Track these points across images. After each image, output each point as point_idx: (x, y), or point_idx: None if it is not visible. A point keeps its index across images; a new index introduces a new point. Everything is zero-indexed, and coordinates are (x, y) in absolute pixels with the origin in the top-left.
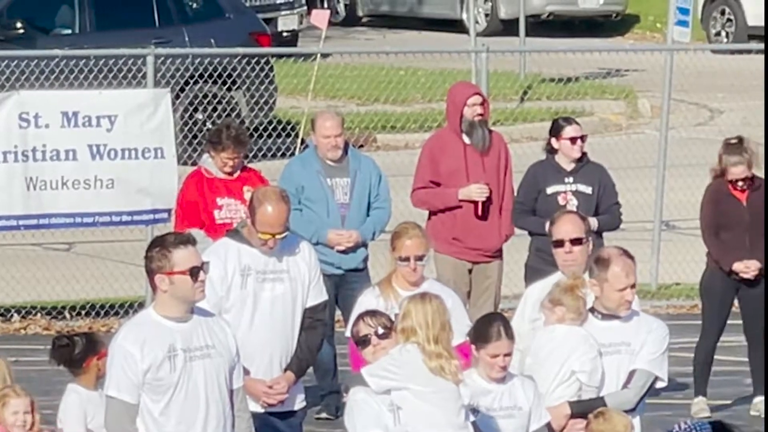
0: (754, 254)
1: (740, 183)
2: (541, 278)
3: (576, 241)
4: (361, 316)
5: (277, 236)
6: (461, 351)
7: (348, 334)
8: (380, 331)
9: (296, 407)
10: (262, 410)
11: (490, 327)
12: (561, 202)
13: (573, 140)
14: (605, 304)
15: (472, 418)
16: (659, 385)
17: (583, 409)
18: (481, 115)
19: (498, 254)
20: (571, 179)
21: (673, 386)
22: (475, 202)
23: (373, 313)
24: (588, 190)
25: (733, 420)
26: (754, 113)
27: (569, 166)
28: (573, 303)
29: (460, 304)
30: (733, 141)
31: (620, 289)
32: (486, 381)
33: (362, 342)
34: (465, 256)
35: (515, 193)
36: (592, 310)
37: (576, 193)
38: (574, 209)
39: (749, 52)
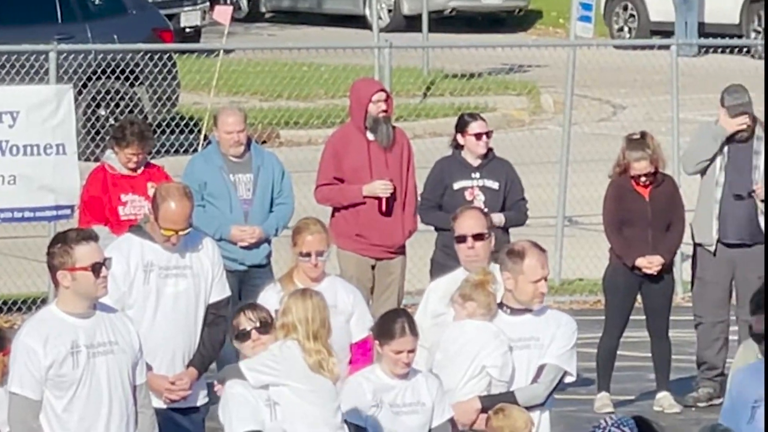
0: (656, 250)
1: (643, 178)
2: (446, 273)
3: (478, 237)
4: (242, 309)
5: (180, 232)
6: (363, 347)
7: None
8: (260, 325)
9: (199, 403)
10: (165, 406)
11: (394, 323)
12: (468, 197)
13: (478, 136)
14: (519, 297)
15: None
16: (568, 379)
17: (494, 403)
18: (385, 111)
19: (401, 250)
20: (477, 175)
21: (576, 382)
22: (379, 199)
23: (254, 307)
24: (495, 185)
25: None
26: (657, 109)
27: (476, 162)
28: (484, 298)
29: (362, 300)
30: (636, 136)
31: (535, 281)
32: (389, 377)
33: (242, 336)
34: (368, 252)
35: (422, 189)
36: (501, 305)
37: (483, 189)
38: (481, 205)
39: (652, 47)
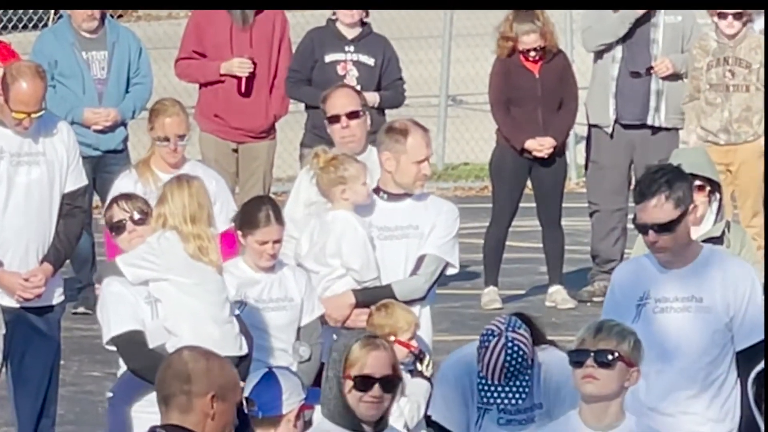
0: (547, 131)
1: (532, 53)
2: None
3: (352, 115)
4: (115, 200)
5: (33, 115)
6: (226, 238)
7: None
8: (136, 216)
9: (54, 302)
10: (18, 305)
11: (258, 211)
12: (340, 72)
13: None
14: (400, 180)
15: (236, 311)
16: (450, 271)
17: (370, 297)
18: None
19: (266, 135)
20: (351, 48)
21: (461, 275)
22: (239, 78)
23: (128, 197)
24: (370, 61)
25: (528, 312)
26: None
27: (350, 34)
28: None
29: (224, 187)
30: None
31: (419, 161)
32: (254, 270)
33: (116, 228)
34: (228, 135)
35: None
36: (378, 190)
37: (357, 64)
38: (354, 81)
39: None
